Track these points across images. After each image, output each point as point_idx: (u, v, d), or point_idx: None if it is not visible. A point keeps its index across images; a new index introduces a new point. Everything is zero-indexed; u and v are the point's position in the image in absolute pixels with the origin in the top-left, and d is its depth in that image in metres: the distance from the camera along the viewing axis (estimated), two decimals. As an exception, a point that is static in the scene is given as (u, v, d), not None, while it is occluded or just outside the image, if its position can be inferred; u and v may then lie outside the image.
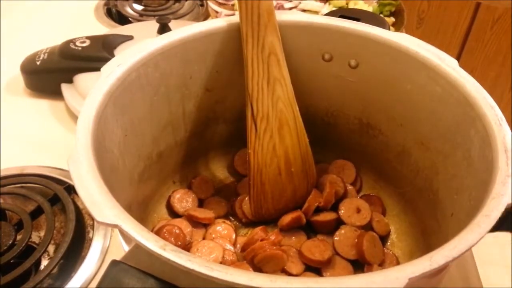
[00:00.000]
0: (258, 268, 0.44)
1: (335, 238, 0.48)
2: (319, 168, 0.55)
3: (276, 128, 0.47)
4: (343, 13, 0.62)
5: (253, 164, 0.47)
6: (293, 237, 0.49)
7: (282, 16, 0.47)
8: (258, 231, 0.47)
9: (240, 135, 0.49)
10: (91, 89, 0.39)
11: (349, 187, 0.53)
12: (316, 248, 0.46)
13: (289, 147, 0.48)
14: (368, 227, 0.49)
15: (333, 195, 0.50)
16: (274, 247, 0.45)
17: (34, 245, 0.50)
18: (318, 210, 0.50)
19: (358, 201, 0.51)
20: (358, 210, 0.50)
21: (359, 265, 0.47)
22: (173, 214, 0.51)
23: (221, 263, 0.43)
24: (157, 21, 0.70)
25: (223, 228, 0.49)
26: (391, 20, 0.83)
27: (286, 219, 0.49)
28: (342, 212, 0.50)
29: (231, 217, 0.52)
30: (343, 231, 0.48)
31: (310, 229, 0.50)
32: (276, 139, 0.47)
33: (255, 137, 0.46)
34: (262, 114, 0.46)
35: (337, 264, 0.46)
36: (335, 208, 0.51)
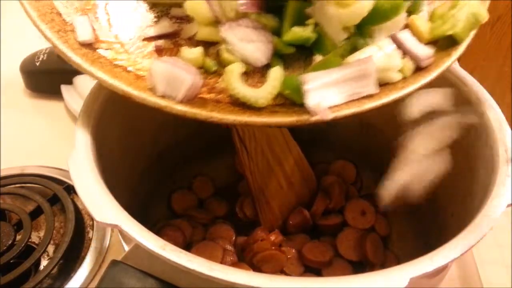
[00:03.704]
0: (257, 268, 0.44)
1: (338, 240, 0.48)
2: (319, 168, 0.54)
3: (265, 143, 0.47)
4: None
5: (253, 185, 0.48)
6: (295, 238, 0.49)
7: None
8: (258, 232, 0.47)
9: (240, 135, 0.49)
10: (91, 89, 0.39)
11: (350, 187, 0.53)
12: (317, 249, 0.46)
13: (283, 158, 0.48)
14: (369, 228, 0.49)
15: (342, 197, 0.50)
16: (273, 247, 0.45)
17: (34, 245, 0.49)
18: (324, 212, 0.50)
19: (363, 203, 0.51)
20: (363, 213, 0.50)
21: (359, 267, 0.47)
22: (173, 214, 0.51)
23: (221, 263, 0.43)
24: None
25: (223, 228, 0.49)
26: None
27: (293, 220, 0.49)
28: (347, 214, 0.50)
29: (231, 217, 0.52)
30: (345, 233, 0.48)
31: (312, 231, 0.50)
32: (268, 154, 0.47)
33: (248, 159, 0.46)
34: (249, 133, 0.46)
35: (338, 265, 0.46)
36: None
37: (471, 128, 0.39)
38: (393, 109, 0.48)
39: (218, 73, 0.34)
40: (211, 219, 0.50)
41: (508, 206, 0.32)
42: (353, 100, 0.31)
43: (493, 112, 0.38)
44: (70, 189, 0.55)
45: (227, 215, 0.52)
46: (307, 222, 0.49)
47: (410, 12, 0.36)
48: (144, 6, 0.38)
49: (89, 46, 0.34)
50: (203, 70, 0.34)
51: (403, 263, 0.28)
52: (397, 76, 0.33)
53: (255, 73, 0.33)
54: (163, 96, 0.32)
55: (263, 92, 0.31)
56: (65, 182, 0.56)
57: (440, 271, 0.32)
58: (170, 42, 0.36)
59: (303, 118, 0.30)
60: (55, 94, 0.70)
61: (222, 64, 0.33)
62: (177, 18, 0.37)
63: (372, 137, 0.52)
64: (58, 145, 0.64)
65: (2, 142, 0.64)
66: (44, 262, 0.49)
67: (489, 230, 0.30)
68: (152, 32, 0.36)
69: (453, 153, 0.42)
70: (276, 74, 0.31)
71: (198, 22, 0.35)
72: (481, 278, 0.50)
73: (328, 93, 0.31)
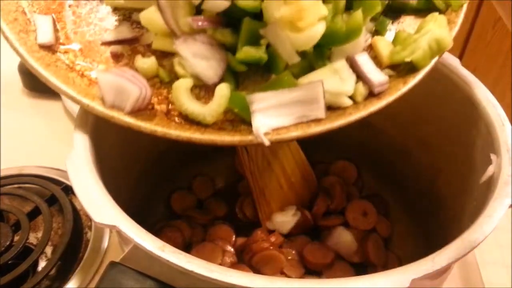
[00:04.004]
0: (256, 270, 0.44)
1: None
2: (319, 168, 0.54)
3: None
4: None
5: (253, 186, 0.47)
6: (295, 240, 0.48)
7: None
8: (258, 232, 0.47)
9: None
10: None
11: (351, 188, 0.52)
12: (318, 251, 0.46)
13: (283, 159, 0.48)
14: (371, 229, 0.49)
15: (344, 197, 0.50)
16: (271, 247, 0.45)
17: (32, 246, 0.49)
18: (324, 213, 0.50)
19: (365, 204, 0.50)
20: (365, 214, 0.49)
21: (360, 268, 0.46)
22: (173, 214, 0.51)
23: (220, 264, 0.42)
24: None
25: (222, 229, 0.49)
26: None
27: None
28: (348, 214, 0.49)
29: (231, 218, 0.52)
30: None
31: (313, 232, 0.50)
32: (269, 155, 0.47)
33: (248, 160, 0.46)
34: None
35: (339, 267, 0.46)
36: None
37: (473, 127, 0.39)
38: (394, 110, 0.48)
39: (172, 84, 0.33)
40: (211, 219, 0.50)
41: (510, 206, 0.32)
42: (300, 123, 0.31)
43: (496, 111, 0.38)
44: (68, 190, 0.55)
45: (227, 215, 0.52)
46: (308, 223, 0.48)
47: (377, 31, 0.35)
48: (108, 9, 0.37)
49: (49, 48, 0.33)
50: (158, 79, 0.33)
51: (405, 264, 0.27)
52: (347, 102, 0.32)
53: (208, 86, 0.33)
54: (112, 107, 0.31)
55: (209, 110, 0.31)
56: (63, 183, 0.56)
57: (442, 272, 0.32)
58: (129, 48, 0.35)
59: (247, 139, 0.31)
60: (54, 94, 0.68)
61: (177, 76, 0.33)
62: (138, 23, 0.36)
63: (372, 137, 0.52)
64: (57, 145, 0.63)
65: (0, 142, 0.64)
66: (42, 263, 0.49)
67: (491, 231, 0.30)
68: (110, 36, 0.36)
69: (455, 153, 0.42)
70: (223, 91, 0.31)
71: (153, 33, 0.34)
72: (483, 278, 0.50)
73: (274, 115, 0.30)
